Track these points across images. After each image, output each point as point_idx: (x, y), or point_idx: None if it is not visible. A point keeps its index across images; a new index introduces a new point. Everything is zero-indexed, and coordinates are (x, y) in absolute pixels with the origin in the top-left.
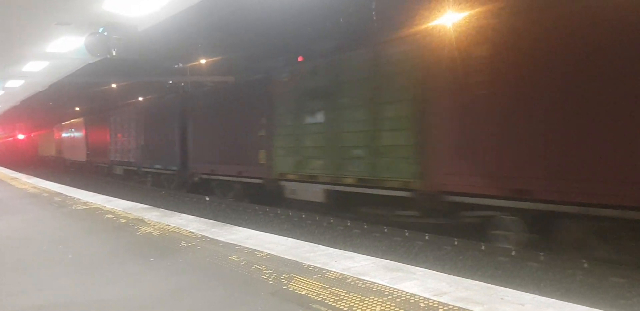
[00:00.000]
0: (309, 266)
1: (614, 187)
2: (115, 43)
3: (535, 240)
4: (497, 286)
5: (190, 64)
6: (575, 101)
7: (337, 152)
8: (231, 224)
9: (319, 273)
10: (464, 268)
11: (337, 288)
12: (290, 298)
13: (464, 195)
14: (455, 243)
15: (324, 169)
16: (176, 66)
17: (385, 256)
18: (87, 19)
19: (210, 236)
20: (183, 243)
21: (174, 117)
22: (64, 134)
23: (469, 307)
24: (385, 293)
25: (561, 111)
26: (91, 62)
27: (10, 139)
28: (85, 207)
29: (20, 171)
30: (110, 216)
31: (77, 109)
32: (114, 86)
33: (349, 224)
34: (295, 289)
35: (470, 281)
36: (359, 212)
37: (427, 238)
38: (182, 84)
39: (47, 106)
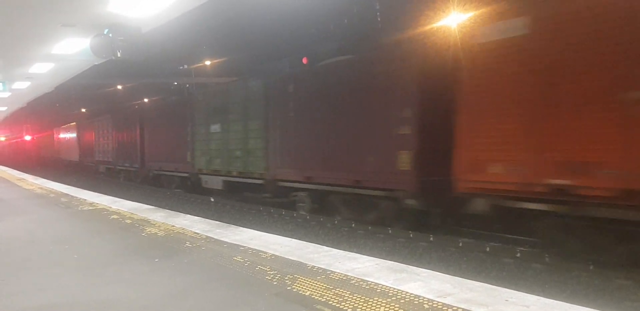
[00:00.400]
0: (313, 267)
1: (346, 174)
2: (119, 44)
3: (317, 209)
4: (501, 288)
5: (182, 67)
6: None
7: (228, 154)
8: (235, 225)
9: (323, 274)
10: (468, 269)
11: (341, 289)
12: (294, 298)
13: (286, 181)
14: (460, 244)
15: (221, 165)
16: (162, 72)
17: (389, 257)
18: (91, 21)
19: (215, 237)
20: (188, 244)
21: (135, 124)
22: (61, 137)
23: (473, 309)
24: (389, 294)
25: (321, 127)
26: (96, 63)
27: (14, 140)
28: (91, 208)
29: (26, 172)
30: (115, 216)
31: (72, 113)
32: (99, 93)
33: (353, 225)
34: (299, 290)
35: (474, 282)
36: (243, 195)
37: (431, 239)
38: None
39: (48, 110)
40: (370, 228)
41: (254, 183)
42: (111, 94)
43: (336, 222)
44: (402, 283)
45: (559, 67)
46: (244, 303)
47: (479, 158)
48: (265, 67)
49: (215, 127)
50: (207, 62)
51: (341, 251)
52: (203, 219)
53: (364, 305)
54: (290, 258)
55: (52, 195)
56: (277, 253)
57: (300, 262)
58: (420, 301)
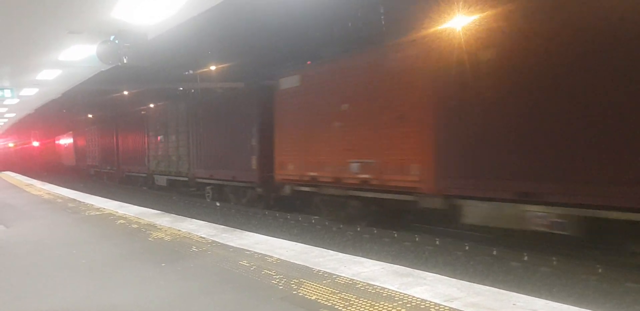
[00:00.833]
0: (319, 271)
1: (229, 172)
2: (125, 51)
3: (217, 197)
4: (508, 292)
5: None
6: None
7: (168, 158)
8: (241, 229)
9: (329, 278)
10: (475, 273)
11: (347, 293)
12: (300, 303)
13: (200, 178)
14: (466, 248)
15: (165, 167)
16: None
17: (395, 262)
18: (97, 28)
19: (221, 241)
20: (194, 248)
21: (112, 134)
22: (61, 143)
23: None
24: (396, 298)
25: (216, 139)
26: (103, 70)
27: (20, 147)
28: (98, 213)
29: (34, 178)
30: (122, 221)
31: (69, 123)
32: (90, 105)
33: (358, 229)
34: (305, 294)
35: (481, 286)
36: (180, 191)
37: (437, 243)
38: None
39: (50, 119)
40: (375, 231)
41: (184, 180)
42: (98, 107)
43: (341, 226)
44: (408, 287)
45: (313, 105)
46: (251, 307)
47: (282, 160)
48: (191, 92)
49: (160, 138)
50: (188, 73)
51: (347, 255)
52: (209, 223)
53: (370, 309)
54: (295, 262)
55: (59, 200)
56: (282, 257)
57: (306, 266)
58: (426, 305)
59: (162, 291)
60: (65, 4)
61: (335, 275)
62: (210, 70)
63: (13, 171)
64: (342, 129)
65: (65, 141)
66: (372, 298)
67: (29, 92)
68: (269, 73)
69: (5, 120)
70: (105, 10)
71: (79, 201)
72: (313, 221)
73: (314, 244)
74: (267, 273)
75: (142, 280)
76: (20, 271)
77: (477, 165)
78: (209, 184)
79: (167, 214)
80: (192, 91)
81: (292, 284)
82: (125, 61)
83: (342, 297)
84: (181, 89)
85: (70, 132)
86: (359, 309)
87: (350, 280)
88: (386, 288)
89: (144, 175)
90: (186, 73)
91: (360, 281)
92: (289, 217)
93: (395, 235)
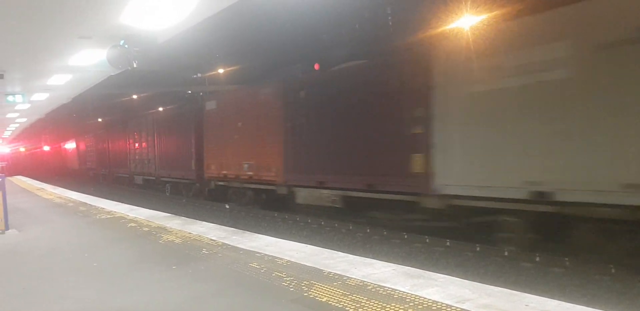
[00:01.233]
0: (329, 273)
1: (181, 172)
2: (135, 55)
3: (176, 191)
4: (520, 293)
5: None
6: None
7: (141, 161)
8: (250, 231)
9: (339, 280)
10: (487, 274)
11: (358, 295)
12: (311, 305)
13: (162, 177)
14: (477, 248)
15: (141, 169)
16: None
17: (406, 263)
18: (107, 32)
19: (231, 244)
20: (204, 251)
21: (105, 141)
22: (67, 148)
23: None
24: (407, 300)
25: (169, 146)
26: (112, 74)
27: (30, 152)
28: (109, 216)
29: (45, 182)
30: (133, 224)
31: (73, 131)
32: (91, 113)
33: (368, 231)
34: (316, 296)
35: (493, 287)
36: (155, 188)
37: (448, 244)
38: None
39: (57, 127)
40: (385, 233)
41: (153, 179)
42: (95, 116)
43: (351, 228)
44: (420, 289)
45: (223, 123)
46: (261, 309)
47: (208, 162)
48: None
49: (137, 145)
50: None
51: (357, 257)
52: (219, 226)
53: None
54: (306, 264)
55: (70, 204)
56: (292, 259)
57: (316, 268)
58: (438, 307)
59: (174, 294)
60: (74, 10)
61: (345, 276)
62: (168, 88)
63: (24, 176)
64: (238, 140)
65: (70, 146)
66: (384, 300)
67: (40, 97)
68: (201, 96)
69: (17, 125)
70: (113, 16)
71: (90, 205)
72: (322, 223)
73: (324, 246)
74: (277, 275)
75: (153, 283)
76: (33, 275)
77: (299, 165)
78: (168, 181)
79: (177, 217)
80: (156, 105)
81: (303, 286)
82: (135, 65)
83: (353, 299)
84: (148, 104)
85: (73, 139)
86: None
87: (361, 282)
88: (397, 290)
89: (127, 176)
90: (150, 91)
91: (371, 283)
92: (298, 219)
93: (406, 236)
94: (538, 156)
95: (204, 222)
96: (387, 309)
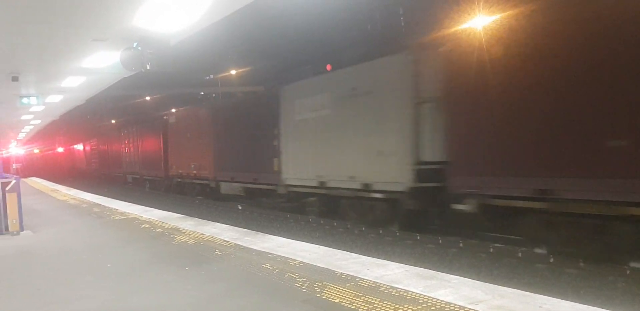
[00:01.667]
0: (342, 274)
1: (154, 172)
2: (148, 57)
3: (154, 187)
4: (534, 294)
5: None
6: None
7: (130, 162)
8: (263, 232)
9: (352, 281)
10: (500, 275)
11: (371, 296)
12: (324, 306)
13: (144, 176)
14: (491, 250)
15: (130, 168)
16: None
17: (419, 264)
18: (121, 35)
19: (244, 245)
20: (217, 252)
21: (106, 144)
22: (75, 150)
23: None
24: (420, 301)
25: (145, 150)
26: (126, 76)
27: (43, 154)
28: (122, 217)
29: (59, 183)
30: (146, 225)
31: (80, 135)
32: (100, 118)
33: (380, 232)
34: (329, 297)
35: (506, 288)
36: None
37: (460, 245)
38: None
39: (67, 130)
40: (398, 234)
41: (138, 177)
42: (99, 121)
43: (363, 229)
44: (432, 290)
45: (179, 132)
46: (274, 310)
47: (171, 163)
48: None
49: (126, 148)
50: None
51: (369, 258)
52: (231, 227)
53: None
54: (318, 265)
55: (84, 205)
56: (305, 260)
57: (329, 269)
58: (451, 308)
59: (187, 295)
60: (88, 13)
61: (358, 277)
62: (145, 99)
63: (38, 177)
64: (188, 146)
65: (79, 148)
66: (396, 301)
67: (54, 99)
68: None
69: (31, 126)
70: (127, 18)
71: (104, 206)
72: (335, 224)
73: (336, 247)
74: (290, 276)
75: (167, 284)
76: (48, 276)
77: (221, 165)
78: (148, 179)
79: (190, 218)
80: (140, 116)
81: (316, 287)
82: (148, 67)
83: (366, 300)
84: (135, 114)
85: (81, 141)
86: None
87: (373, 283)
88: (410, 291)
89: (121, 175)
90: (133, 100)
91: (384, 284)
92: (310, 220)
93: (418, 237)
94: (320, 160)
95: (216, 223)
96: (400, 310)
